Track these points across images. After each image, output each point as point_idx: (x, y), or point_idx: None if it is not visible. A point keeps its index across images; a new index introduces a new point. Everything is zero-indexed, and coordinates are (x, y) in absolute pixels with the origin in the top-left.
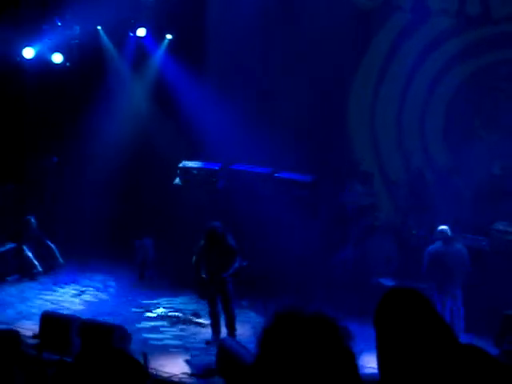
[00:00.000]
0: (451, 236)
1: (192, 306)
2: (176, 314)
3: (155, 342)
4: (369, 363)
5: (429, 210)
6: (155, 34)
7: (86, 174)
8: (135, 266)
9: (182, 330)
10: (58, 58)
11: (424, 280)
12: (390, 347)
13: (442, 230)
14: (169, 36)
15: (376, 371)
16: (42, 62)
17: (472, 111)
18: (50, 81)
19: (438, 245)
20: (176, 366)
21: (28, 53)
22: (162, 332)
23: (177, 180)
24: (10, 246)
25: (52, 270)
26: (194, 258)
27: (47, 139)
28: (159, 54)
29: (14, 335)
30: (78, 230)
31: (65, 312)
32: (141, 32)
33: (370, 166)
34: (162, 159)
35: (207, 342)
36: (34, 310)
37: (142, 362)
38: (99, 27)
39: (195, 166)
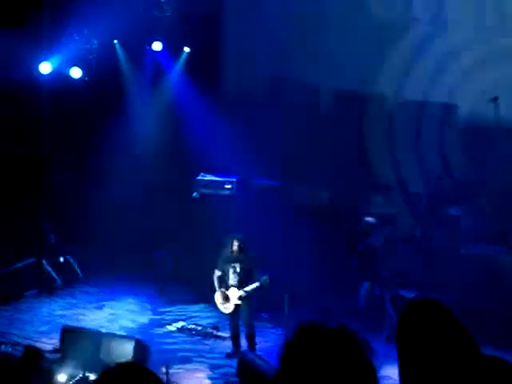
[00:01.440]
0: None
1: (212, 319)
2: (196, 327)
3: (175, 355)
4: (389, 377)
5: (449, 220)
6: (171, 48)
7: (105, 189)
8: (155, 279)
9: (201, 343)
10: (76, 72)
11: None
12: (411, 360)
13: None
14: (186, 49)
15: None
16: (59, 76)
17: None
18: (68, 96)
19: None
20: (196, 380)
21: (45, 68)
22: (181, 345)
23: (195, 193)
24: (28, 260)
25: (71, 284)
26: (216, 270)
27: (66, 154)
28: (176, 67)
29: (35, 351)
30: (97, 244)
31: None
32: (157, 46)
33: (388, 177)
34: (179, 173)
35: (227, 355)
36: (53, 325)
37: (164, 375)
38: (116, 41)
39: (213, 178)
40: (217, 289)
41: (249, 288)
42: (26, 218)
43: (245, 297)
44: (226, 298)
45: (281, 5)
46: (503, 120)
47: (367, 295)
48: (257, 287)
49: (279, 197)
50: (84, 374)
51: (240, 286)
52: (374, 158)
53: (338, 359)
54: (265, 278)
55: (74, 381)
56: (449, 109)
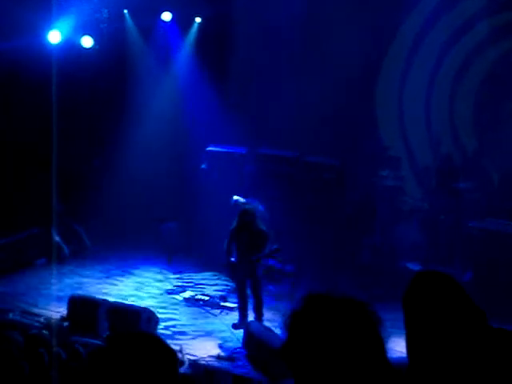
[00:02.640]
0: None
1: (219, 290)
2: (203, 297)
3: (182, 325)
4: (396, 347)
5: (457, 194)
6: (182, 18)
7: (114, 159)
8: (162, 250)
9: (209, 313)
10: (87, 41)
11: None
12: (419, 330)
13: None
14: (198, 19)
15: (404, 355)
16: (69, 45)
17: (502, 94)
18: (78, 65)
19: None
20: (203, 350)
21: (54, 36)
22: (188, 315)
23: (204, 164)
24: (36, 229)
25: (79, 254)
26: (226, 240)
27: (76, 125)
28: (186, 38)
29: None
30: (105, 215)
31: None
32: (166, 16)
33: (397, 150)
34: (188, 144)
35: (234, 326)
36: (61, 293)
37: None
38: (125, 11)
39: (222, 150)
40: (227, 257)
41: (257, 255)
42: (36, 187)
43: (253, 267)
44: (235, 267)
45: None
46: None
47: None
48: (266, 254)
49: (289, 168)
50: None
51: (248, 255)
52: (384, 129)
53: (347, 328)
54: (275, 247)
55: None
56: (459, 81)
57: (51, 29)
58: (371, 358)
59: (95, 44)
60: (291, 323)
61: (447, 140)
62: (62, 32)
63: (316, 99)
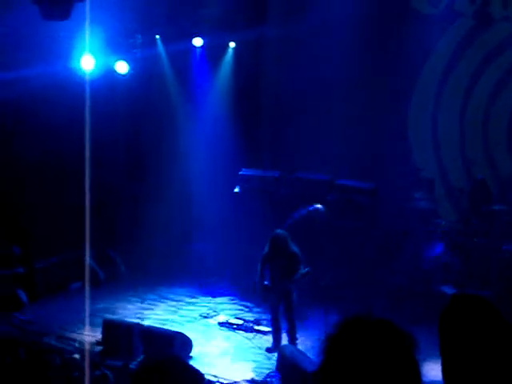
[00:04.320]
0: None
1: (253, 314)
2: (237, 321)
3: (216, 349)
4: (432, 371)
5: (490, 217)
6: (213, 44)
7: (148, 184)
8: (195, 273)
9: (243, 337)
10: (122, 67)
11: None
12: (455, 355)
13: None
14: (232, 44)
15: (439, 379)
16: (104, 71)
17: None
18: (114, 91)
19: None
20: (237, 373)
21: (88, 62)
22: (223, 339)
23: (237, 188)
24: (71, 253)
25: (114, 278)
26: (259, 264)
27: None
28: (221, 63)
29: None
30: (140, 239)
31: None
32: (197, 42)
33: (431, 172)
34: (222, 168)
35: (268, 350)
36: (96, 318)
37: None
38: (157, 36)
39: (255, 173)
40: (260, 281)
41: (290, 279)
42: (71, 211)
43: (287, 291)
44: (268, 291)
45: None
46: None
47: None
48: (301, 275)
49: (323, 191)
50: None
51: (282, 279)
52: (417, 151)
53: (384, 353)
54: (307, 269)
55: None
56: (492, 104)
57: (84, 54)
58: (407, 382)
59: (130, 69)
60: (327, 347)
61: (481, 162)
62: (95, 57)
63: (349, 122)
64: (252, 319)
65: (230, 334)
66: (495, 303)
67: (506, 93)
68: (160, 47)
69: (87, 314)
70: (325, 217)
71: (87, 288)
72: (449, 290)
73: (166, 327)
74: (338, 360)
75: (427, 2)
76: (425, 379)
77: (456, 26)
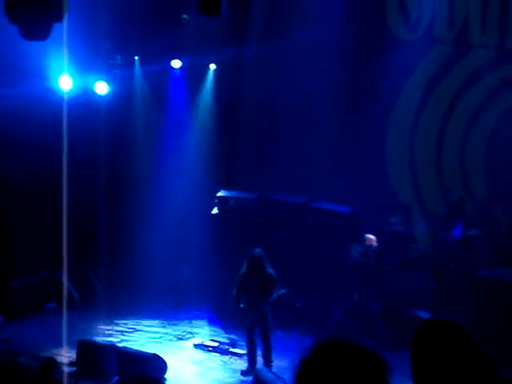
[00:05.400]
0: None
1: (228, 336)
2: (212, 343)
3: (191, 371)
4: None
5: (466, 242)
6: (193, 66)
7: (126, 210)
8: (172, 295)
9: (218, 359)
10: (102, 88)
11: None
12: (426, 379)
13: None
14: (213, 66)
15: None
16: (82, 92)
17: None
18: (92, 111)
19: None
20: None
21: (65, 82)
22: (198, 361)
23: (215, 209)
24: (47, 273)
25: (90, 299)
26: (235, 286)
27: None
28: (204, 83)
29: (53, 363)
30: (118, 261)
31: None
32: (176, 63)
33: (407, 196)
34: (201, 189)
35: (243, 373)
36: (71, 338)
37: None
38: (136, 57)
39: (233, 195)
40: (236, 303)
41: (266, 302)
42: (47, 229)
43: (263, 313)
44: (244, 314)
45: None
46: None
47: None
48: (277, 297)
49: (300, 213)
50: None
51: (257, 301)
52: (395, 176)
53: (355, 378)
54: (283, 291)
55: None
56: (469, 130)
57: (62, 74)
58: None
59: (110, 90)
60: (300, 371)
61: (457, 188)
62: (73, 78)
63: (327, 145)
64: (227, 341)
65: (205, 356)
66: (469, 328)
67: (484, 119)
68: (138, 68)
69: (63, 334)
70: None
71: (63, 308)
72: (424, 314)
73: (141, 349)
74: None
75: (406, 27)
76: None
77: (434, 52)
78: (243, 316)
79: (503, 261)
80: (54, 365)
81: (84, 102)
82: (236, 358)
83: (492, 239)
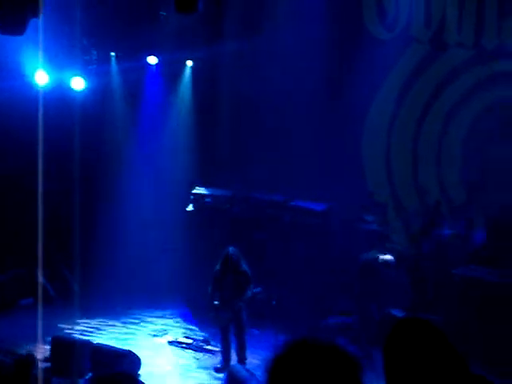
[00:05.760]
0: None
1: (202, 332)
2: (186, 340)
3: (165, 368)
4: None
5: (441, 241)
6: (170, 62)
7: (102, 208)
8: (146, 291)
9: (192, 356)
10: (78, 83)
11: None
12: (398, 378)
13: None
14: (189, 63)
15: None
16: (58, 87)
17: (488, 143)
18: (67, 107)
19: None
20: None
21: (41, 77)
22: (172, 358)
23: (190, 206)
24: (21, 270)
25: (66, 296)
26: (210, 284)
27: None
28: (181, 79)
29: (30, 359)
30: (96, 258)
31: (76, 337)
32: (152, 60)
33: (383, 195)
34: (176, 186)
35: (217, 369)
36: (45, 334)
37: None
38: (112, 53)
39: (208, 192)
40: (210, 300)
41: (240, 299)
42: (22, 227)
43: (237, 310)
44: (218, 310)
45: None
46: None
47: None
48: (250, 296)
49: (276, 211)
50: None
51: (233, 299)
52: (370, 175)
53: (327, 374)
54: (258, 290)
55: None
56: (446, 130)
57: (37, 69)
58: None
59: (86, 86)
60: (272, 368)
61: (433, 188)
62: (49, 73)
63: (304, 143)
64: (201, 338)
65: (179, 352)
66: (444, 327)
67: (460, 119)
68: (114, 64)
69: (37, 330)
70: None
71: (38, 304)
72: (398, 313)
73: (115, 345)
74: (280, 381)
75: (383, 26)
76: None
77: (411, 51)
78: (218, 313)
79: (478, 260)
80: (32, 361)
81: (60, 97)
82: (210, 354)
83: (468, 240)
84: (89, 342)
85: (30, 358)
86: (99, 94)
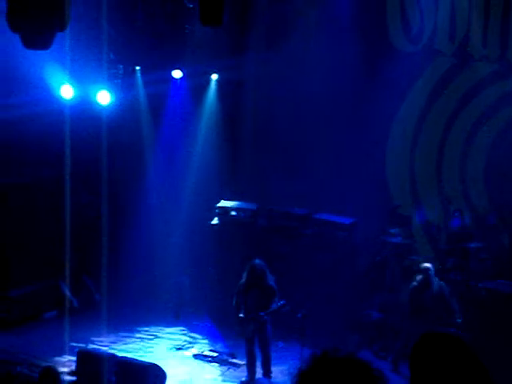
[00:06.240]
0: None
1: (228, 346)
2: (212, 353)
3: (190, 381)
4: None
5: (467, 254)
6: (194, 75)
7: (127, 218)
8: (171, 305)
9: (217, 369)
10: (104, 97)
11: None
12: None
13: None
14: (214, 76)
15: None
16: (83, 102)
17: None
18: (93, 121)
19: None
20: None
21: (67, 91)
22: (197, 371)
23: (215, 220)
24: (46, 282)
25: (89, 307)
26: (235, 296)
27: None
28: (207, 92)
29: (53, 372)
30: (118, 269)
31: (101, 350)
32: (176, 74)
33: (408, 210)
34: (201, 199)
35: (242, 383)
36: (70, 347)
37: None
38: (138, 67)
39: (233, 205)
40: (236, 313)
41: (265, 312)
42: (47, 239)
43: (262, 323)
44: (244, 324)
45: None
46: None
47: None
48: (274, 309)
49: (301, 224)
50: None
51: (257, 311)
52: (394, 188)
53: None
54: (282, 302)
55: None
56: (470, 142)
57: (63, 83)
58: None
59: (112, 100)
60: (297, 383)
61: (458, 200)
62: (75, 87)
63: (328, 157)
64: (227, 352)
65: (205, 366)
66: (470, 341)
67: (484, 133)
68: (139, 78)
69: (63, 343)
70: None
71: (63, 317)
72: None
73: (140, 358)
74: None
75: (407, 39)
76: None
77: (436, 64)
78: (243, 326)
79: (503, 272)
80: (54, 374)
81: (86, 111)
82: (235, 368)
83: (493, 251)
84: (114, 355)
85: (52, 371)
86: (125, 108)
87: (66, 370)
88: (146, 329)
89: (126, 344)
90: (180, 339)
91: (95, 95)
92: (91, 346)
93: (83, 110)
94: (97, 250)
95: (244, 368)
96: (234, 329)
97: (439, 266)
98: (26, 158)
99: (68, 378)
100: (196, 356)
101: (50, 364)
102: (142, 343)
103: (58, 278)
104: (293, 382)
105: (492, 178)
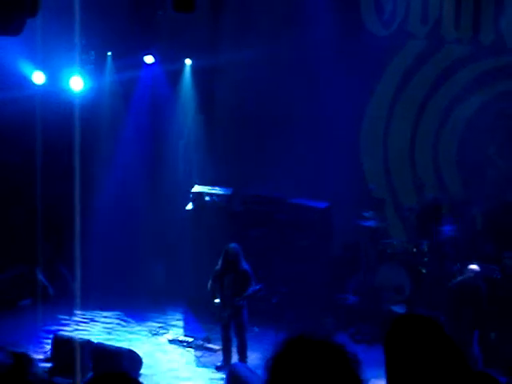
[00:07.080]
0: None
1: (204, 331)
2: (187, 338)
3: (165, 367)
4: None
5: (440, 237)
6: (167, 61)
7: (97, 200)
8: (146, 291)
9: (192, 354)
10: (77, 83)
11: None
12: (400, 374)
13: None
14: (188, 61)
15: None
16: (55, 87)
17: (486, 139)
18: (64, 106)
19: None
20: None
21: (38, 77)
22: (172, 356)
23: (189, 205)
24: (20, 269)
25: (65, 295)
26: (210, 281)
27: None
28: (183, 79)
29: (28, 359)
30: (92, 256)
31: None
32: (149, 59)
33: (382, 193)
34: (175, 184)
35: (217, 368)
36: (46, 334)
37: None
38: (109, 53)
39: (208, 190)
40: (211, 298)
41: (241, 297)
42: (20, 226)
43: (238, 308)
44: (219, 309)
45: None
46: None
47: None
48: (250, 294)
49: (276, 209)
50: None
51: (233, 296)
52: (368, 171)
53: (326, 371)
54: (258, 287)
55: None
56: (443, 125)
57: (35, 70)
58: None
59: (84, 86)
60: (272, 366)
61: (431, 183)
62: (46, 73)
63: (302, 140)
64: (202, 337)
65: (180, 351)
66: (444, 324)
67: (457, 115)
68: (111, 63)
69: (37, 330)
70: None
71: (37, 304)
72: (399, 309)
73: (115, 344)
74: (281, 380)
75: (380, 23)
76: None
77: (408, 47)
78: (218, 311)
79: (478, 255)
80: (29, 361)
81: (58, 97)
82: (211, 353)
83: (466, 234)
84: (89, 341)
85: (28, 358)
86: (97, 94)
87: (41, 356)
88: (122, 315)
89: (101, 330)
90: (155, 324)
91: (68, 81)
92: (66, 333)
93: (55, 95)
94: (71, 237)
95: (219, 353)
96: (210, 314)
97: (413, 250)
98: None
99: (43, 364)
100: (171, 341)
101: (25, 351)
102: (117, 329)
103: (34, 266)
104: (267, 366)
105: (465, 162)
